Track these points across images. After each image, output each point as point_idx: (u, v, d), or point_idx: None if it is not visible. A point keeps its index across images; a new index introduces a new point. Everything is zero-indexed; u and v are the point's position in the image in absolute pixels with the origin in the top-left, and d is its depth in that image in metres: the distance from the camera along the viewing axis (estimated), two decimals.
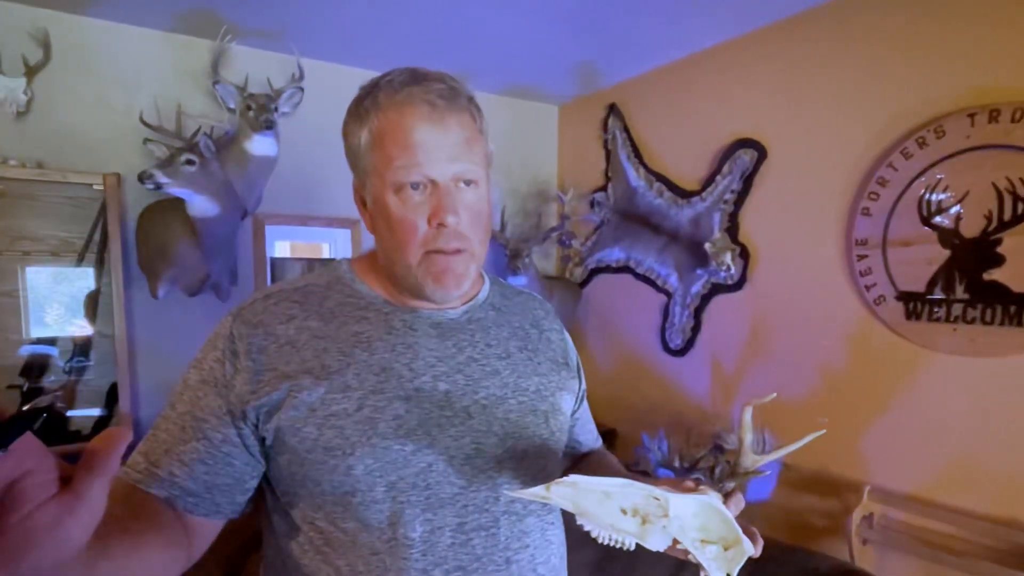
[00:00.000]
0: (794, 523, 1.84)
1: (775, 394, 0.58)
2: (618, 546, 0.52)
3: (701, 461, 1.70)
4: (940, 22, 1.53)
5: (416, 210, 0.62)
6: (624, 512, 0.51)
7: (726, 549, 0.53)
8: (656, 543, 0.51)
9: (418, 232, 0.62)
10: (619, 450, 2.42)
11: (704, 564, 0.52)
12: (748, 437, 0.56)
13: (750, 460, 0.56)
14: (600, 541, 0.52)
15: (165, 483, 0.59)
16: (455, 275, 0.65)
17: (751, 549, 0.52)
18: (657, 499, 0.51)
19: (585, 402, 0.87)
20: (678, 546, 0.53)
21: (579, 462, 0.85)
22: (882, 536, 1.58)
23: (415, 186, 0.62)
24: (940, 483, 1.55)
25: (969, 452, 1.50)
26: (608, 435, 2.44)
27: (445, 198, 0.62)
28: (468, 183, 0.64)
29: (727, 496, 0.54)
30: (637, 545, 0.52)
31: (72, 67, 1.87)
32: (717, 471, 1.67)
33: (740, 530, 0.52)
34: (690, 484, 0.55)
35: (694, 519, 0.52)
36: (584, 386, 0.85)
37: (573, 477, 0.50)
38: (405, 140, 0.60)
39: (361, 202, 0.69)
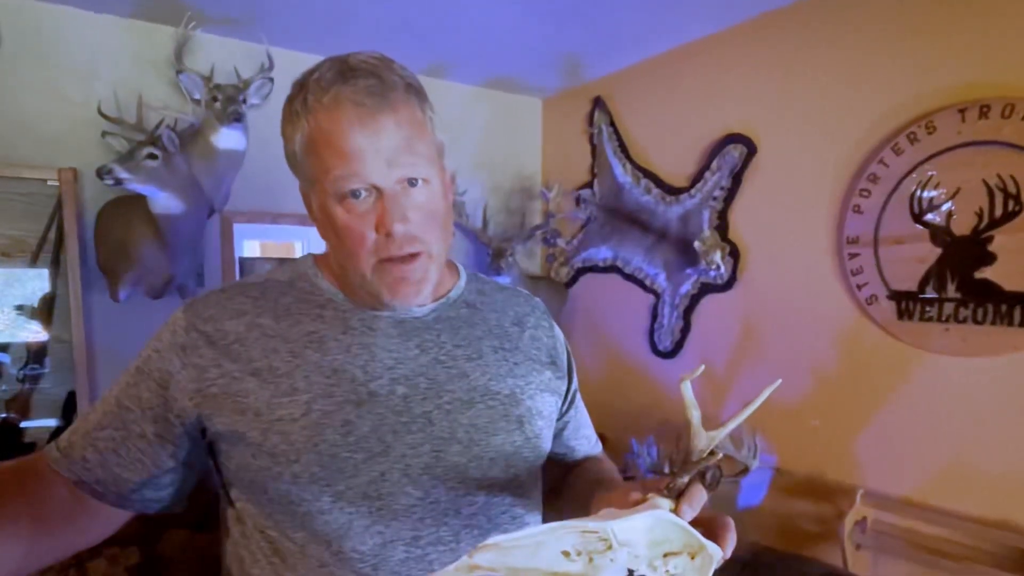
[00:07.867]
0: (787, 529, 1.81)
1: (703, 367, 0.53)
2: None
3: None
4: (930, 16, 1.51)
5: (363, 219, 0.58)
6: (567, 555, 0.44)
7: (693, 557, 0.46)
8: None
9: (367, 242, 0.58)
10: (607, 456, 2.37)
11: None
12: (695, 415, 0.50)
13: (704, 440, 0.50)
14: None
15: (76, 466, 0.60)
16: (412, 283, 0.61)
17: (717, 551, 0.47)
18: (595, 532, 0.44)
19: (579, 405, 0.81)
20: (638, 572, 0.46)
21: (570, 473, 0.80)
22: (876, 541, 1.56)
23: (358, 193, 0.57)
24: (933, 486, 1.53)
25: (962, 453, 1.48)
26: None
27: (391, 205, 0.57)
28: (416, 182, 0.59)
29: (680, 495, 0.47)
30: None
31: (24, 55, 1.75)
32: (708, 476, 1.62)
33: (699, 536, 0.46)
34: (636, 496, 0.49)
35: (648, 534, 0.46)
36: (575, 387, 0.79)
37: (494, 538, 0.43)
38: (338, 148, 0.56)
39: (310, 207, 0.64)
